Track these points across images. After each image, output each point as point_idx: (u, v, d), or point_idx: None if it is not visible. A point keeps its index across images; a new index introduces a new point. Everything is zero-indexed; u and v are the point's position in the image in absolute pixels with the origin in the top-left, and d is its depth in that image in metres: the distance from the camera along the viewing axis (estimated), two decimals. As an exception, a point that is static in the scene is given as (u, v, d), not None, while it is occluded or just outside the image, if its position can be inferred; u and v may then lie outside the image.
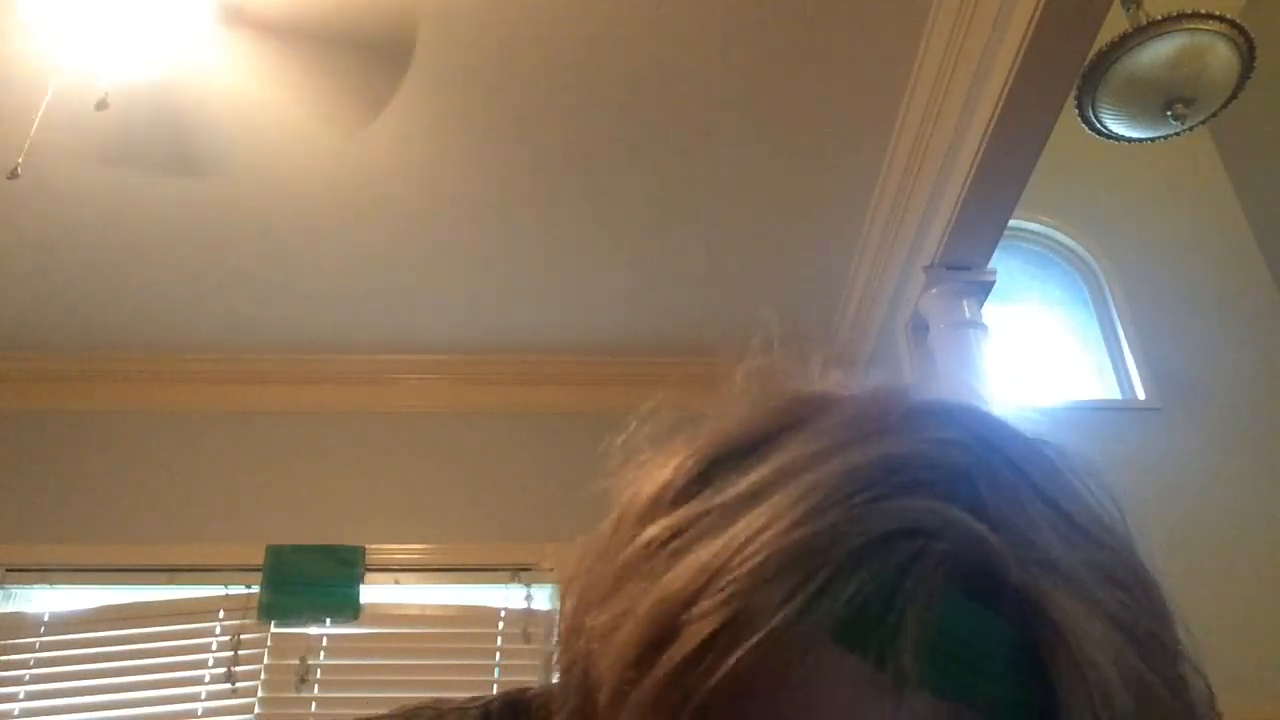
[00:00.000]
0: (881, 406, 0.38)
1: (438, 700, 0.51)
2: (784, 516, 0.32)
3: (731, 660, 0.30)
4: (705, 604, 0.31)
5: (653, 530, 0.35)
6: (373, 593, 2.93)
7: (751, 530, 0.32)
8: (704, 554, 0.32)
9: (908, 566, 0.30)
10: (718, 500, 0.34)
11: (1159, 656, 0.34)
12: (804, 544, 0.31)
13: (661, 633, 0.31)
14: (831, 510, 0.32)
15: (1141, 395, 3.19)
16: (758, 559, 0.31)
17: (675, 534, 0.34)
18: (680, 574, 0.32)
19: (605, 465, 0.41)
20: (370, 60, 2.23)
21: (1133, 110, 2.41)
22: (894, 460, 0.34)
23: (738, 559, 0.31)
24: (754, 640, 0.30)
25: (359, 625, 2.86)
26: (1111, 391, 3.27)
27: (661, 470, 0.38)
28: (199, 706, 2.74)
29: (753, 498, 0.34)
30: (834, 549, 0.30)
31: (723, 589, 0.31)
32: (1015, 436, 0.39)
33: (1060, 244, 3.52)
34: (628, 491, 0.39)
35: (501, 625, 2.86)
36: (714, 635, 0.30)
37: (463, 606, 2.93)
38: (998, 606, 0.31)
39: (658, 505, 0.37)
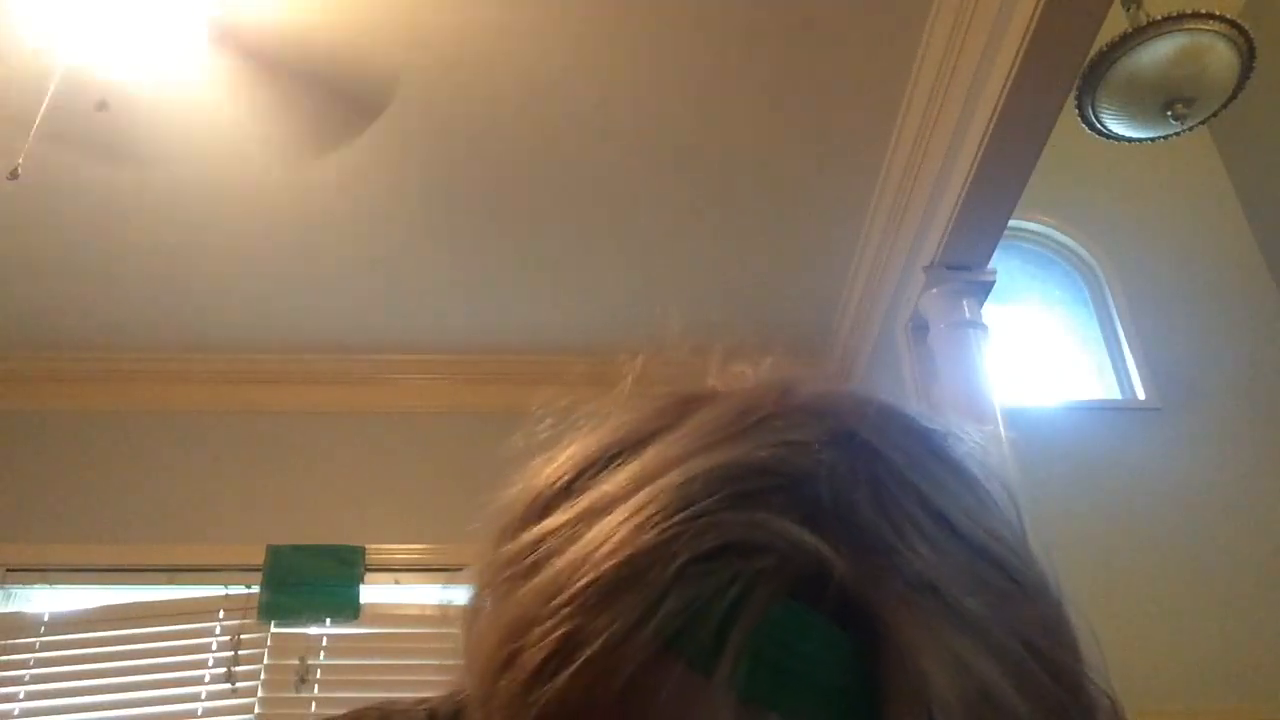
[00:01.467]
0: (746, 407, 0.37)
1: (388, 701, 0.53)
2: (617, 533, 0.32)
3: (559, 684, 0.30)
4: (540, 629, 0.31)
5: (515, 545, 0.36)
6: (373, 593, 2.93)
7: (588, 549, 0.32)
8: (550, 572, 0.32)
9: (734, 582, 0.30)
10: (573, 512, 0.34)
11: (1036, 668, 0.32)
12: (632, 564, 0.31)
13: (507, 655, 0.32)
14: (661, 527, 0.31)
15: (1141, 395, 3.19)
16: (588, 579, 0.31)
17: (534, 548, 0.34)
18: (526, 594, 0.33)
19: (509, 467, 0.41)
20: (341, 106, 2.26)
21: (1133, 110, 2.41)
22: (732, 469, 0.33)
23: (573, 579, 0.31)
24: (577, 664, 0.30)
25: (359, 625, 2.86)
26: (1111, 391, 3.28)
27: (538, 476, 0.39)
28: (199, 706, 2.74)
29: (601, 511, 0.33)
30: (660, 568, 0.30)
31: (557, 612, 0.31)
32: (893, 435, 0.37)
33: (1060, 244, 3.52)
34: (512, 496, 0.39)
35: (501, 625, 2.86)
36: (546, 660, 0.31)
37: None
38: (830, 617, 0.30)
39: (528, 515, 0.37)
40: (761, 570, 0.30)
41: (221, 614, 2.87)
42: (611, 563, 0.31)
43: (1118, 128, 2.48)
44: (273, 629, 2.84)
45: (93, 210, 2.70)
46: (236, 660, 2.79)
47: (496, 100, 2.40)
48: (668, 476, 0.33)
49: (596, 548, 0.32)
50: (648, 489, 0.33)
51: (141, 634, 2.85)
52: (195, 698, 2.75)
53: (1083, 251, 3.49)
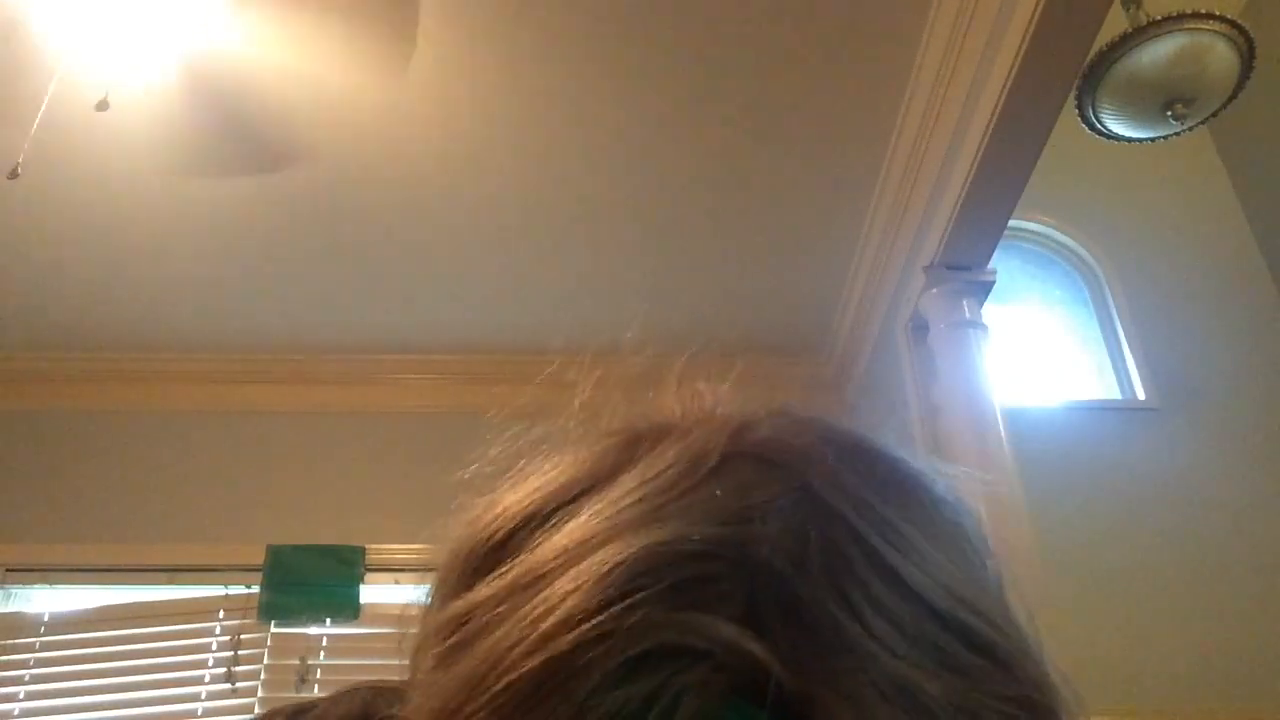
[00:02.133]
0: (695, 455, 0.35)
1: (304, 702, 0.54)
2: (539, 627, 0.30)
3: None
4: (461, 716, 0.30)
5: (445, 615, 0.34)
6: (373, 593, 2.93)
7: (509, 641, 0.30)
8: (471, 661, 0.31)
9: (662, 692, 0.28)
10: (501, 584, 0.33)
11: None
12: (551, 668, 0.29)
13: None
14: (585, 626, 0.29)
15: (1141, 395, 3.19)
16: (505, 681, 0.29)
17: (460, 623, 0.33)
18: (449, 682, 0.31)
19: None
20: None
21: (1133, 110, 2.41)
22: (666, 554, 0.31)
23: (490, 677, 0.30)
24: None
25: (359, 625, 2.86)
26: (1111, 391, 3.28)
27: (476, 524, 0.37)
28: (199, 706, 2.74)
29: (527, 587, 0.32)
30: (580, 677, 0.28)
31: (476, 712, 0.29)
32: (852, 486, 0.34)
33: (1060, 244, 3.52)
34: (451, 545, 0.37)
35: (501, 625, 2.86)
36: None
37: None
38: (774, 714, 0.28)
39: (461, 577, 0.35)
40: (693, 680, 0.28)
41: (221, 614, 2.87)
42: (529, 666, 0.29)
43: (1118, 128, 2.48)
44: (273, 629, 2.84)
45: (92, 210, 2.70)
46: (236, 660, 2.79)
47: (500, 97, 2.40)
48: (595, 556, 0.31)
49: (516, 642, 0.30)
50: (573, 571, 0.31)
51: (141, 634, 2.85)
52: (195, 698, 2.75)
53: (1083, 251, 3.49)
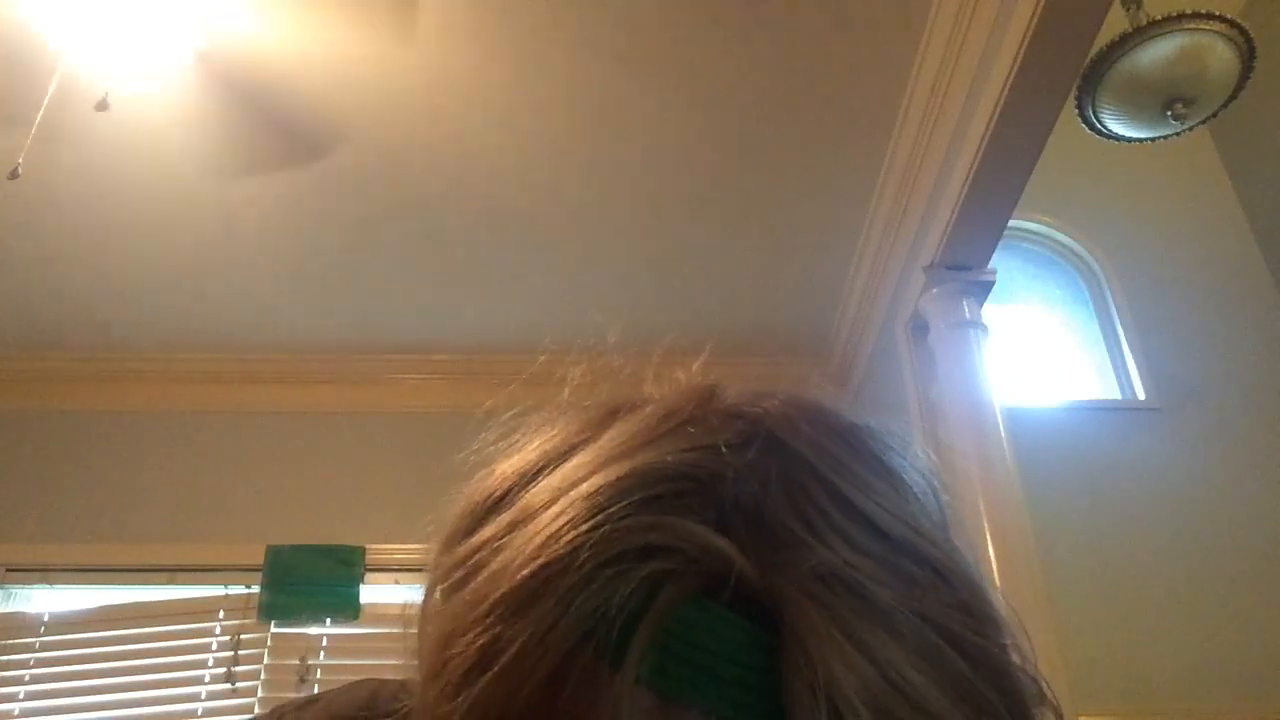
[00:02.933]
0: (666, 412, 0.39)
1: (312, 695, 0.56)
2: (531, 544, 0.33)
3: (475, 691, 0.32)
4: (464, 639, 0.33)
5: (451, 558, 0.37)
6: (373, 593, 2.93)
7: (508, 561, 0.33)
8: (475, 584, 0.34)
9: (639, 584, 0.31)
10: (500, 525, 0.36)
11: (952, 654, 0.32)
12: (543, 573, 0.32)
13: (438, 665, 0.34)
14: (571, 536, 0.32)
15: (1141, 395, 3.19)
16: (503, 590, 0.32)
17: (466, 560, 0.36)
18: (456, 606, 0.34)
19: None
20: None
21: (1133, 110, 2.41)
22: (641, 476, 0.34)
23: (492, 591, 0.33)
24: (493, 672, 0.31)
25: (359, 625, 2.86)
26: (1111, 391, 3.28)
27: (477, 489, 0.40)
28: (199, 706, 2.74)
29: (523, 522, 0.35)
30: (568, 576, 0.31)
31: (479, 623, 0.32)
32: (809, 432, 0.38)
33: (1060, 244, 3.52)
34: (456, 507, 0.40)
35: (501, 625, 2.86)
36: (468, 670, 0.32)
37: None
38: (737, 613, 0.31)
39: (466, 527, 0.38)
40: (667, 571, 0.31)
41: (221, 614, 2.87)
42: (524, 573, 0.32)
43: (1118, 128, 2.48)
44: (273, 629, 2.84)
45: (92, 210, 2.70)
46: (236, 660, 2.79)
47: (503, 91, 2.40)
48: (580, 486, 0.35)
49: (514, 560, 0.33)
50: (562, 500, 0.34)
51: (141, 634, 2.85)
52: (195, 698, 2.75)
53: (1083, 251, 3.49)
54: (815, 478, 0.36)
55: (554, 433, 0.41)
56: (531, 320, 3.15)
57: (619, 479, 0.34)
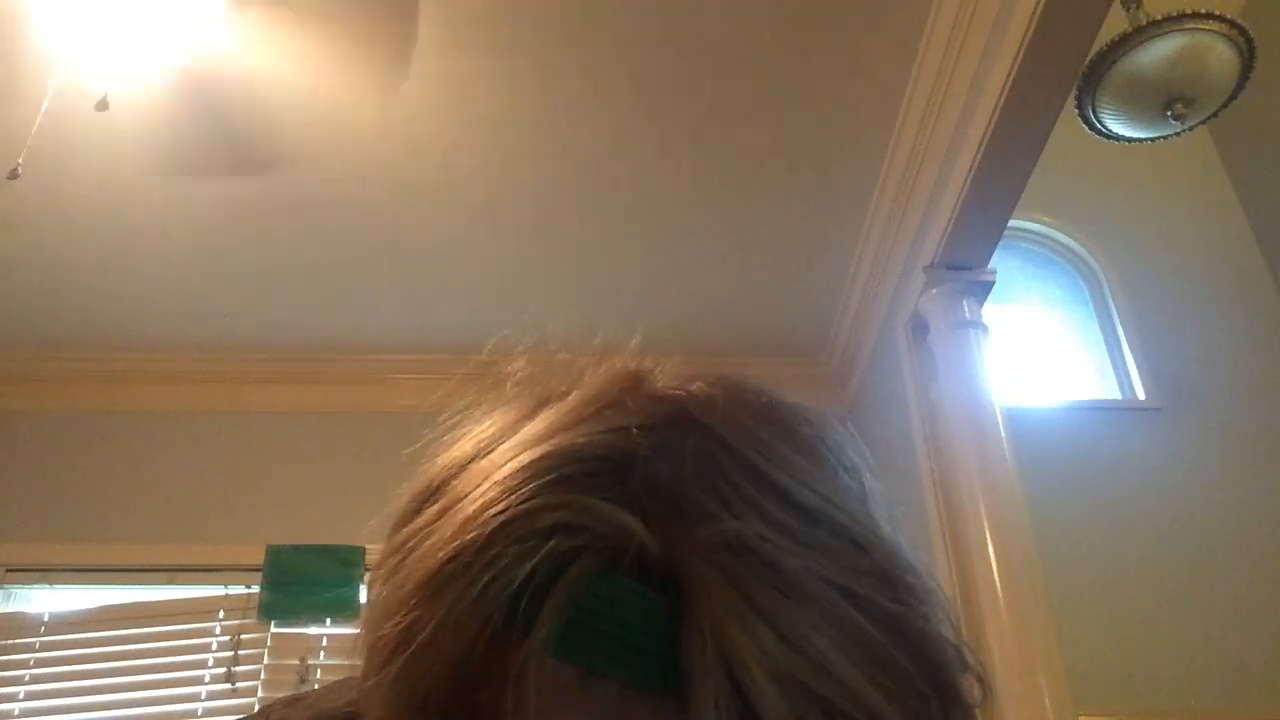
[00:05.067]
0: (591, 397, 0.40)
1: (298, 693, 0.57)
2: (450, 528, 0.34)
3: (394, 670, 0.33)
4: (391, 622, 0.34)
5: (390, 545, 0.39)
6: (373, 593, 2.93)
7: (433, 546, 0.35)
8: (404, 570, 0.35)
9: (547, 561, 0.32)
10: (432, 512, 0.37)
11: (864, 621, 0.33)
12: (459, 556, 0.33)
13: (369, 647, 0.36)
14: (485, 518, 0.34)
15: (1141, 395, 3.19)
16: (423, 574, 0.34)
17: (401, 547, 0.37)
18: (388, 591, 0.36)
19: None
20: (381, 7, 2.20)
21: (1133, 110, 2.41)
22: (554, 457, 0.35)
23: (414, 575, 0.34)
24: (410, 651, 0.33)
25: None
26: (1111, 391, 3.28)
27: (418, 480, 0.42)
28: (199, 706, 2.74)
29: (449, 509, 0.36)
30: (480, 556, 0.33)
31: (403, 605, 0.34)
32: (728, 411, 0.39)
33: (1060, 244, 3.52)
34: (400, 499, 0.42)
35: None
36: (392, 651, 0.34)
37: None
38: (643, 584, 0.32)
39: (404, 516, 0.40)
40: (574, 548, 0.32)
41: (221, 614, 2.87)
42: (441, 556, 0.34)
43: (1118, 128, 2.48)
44: (273, 629, 2.84)
45: (92, 210, 2.70)
46: (236, 660, 2.79)
47: (507, 88, 2.40)
48: (501, 470, 0.36)
49: (435, 544, 0.34)
50: (483, 484, 0.36)
51: (141, 634, 2.85)
52: (195, 698, 2.75)
53: (1083, 251, 3.49)
54: (729, 454, 0.36)
55: (490, 423, 0.43)
56: (533, 321, 3.14)
57: (532, 462, 0.35)
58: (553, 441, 0.37)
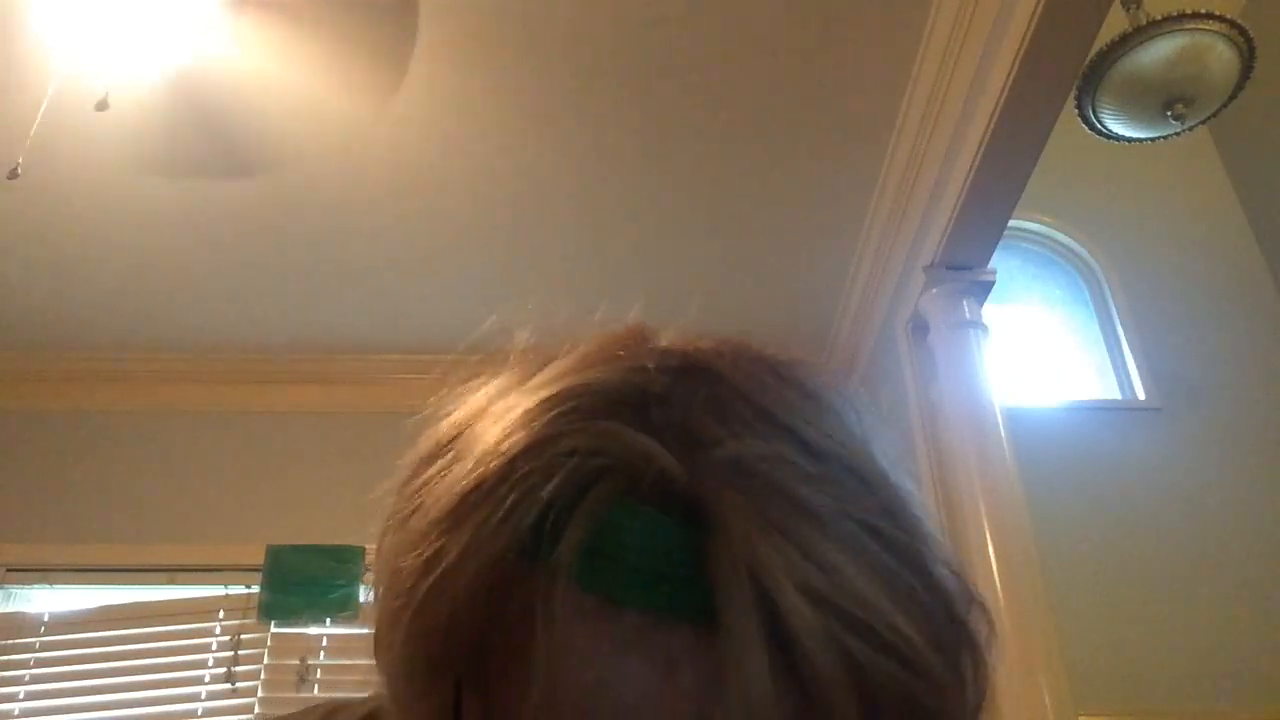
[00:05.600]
0: (604, 344, 0.40)
1: (335, 700, 0.58)
2: (471, 461, 0.35)
3: (420, 596, 0.33)
4: (413, 553, 0.34)
5: (404, 492, 0.39)
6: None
7: (453, 480, 0.35)
8: (424, 507, 0.36)
9: (568, 484, 0.32)
10: (449, 456, 0.37)
11: (875, 547, 0.33)
12: (481, 483, 0.33)
13: (390, 578, 0.36)
14: (506, 447, 0.34)
15: (1141, 395, 3.19)
16: (445, 503, 0.34)
17: (418, 492, 0.37)
18: (408, 529, 0.36)
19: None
20: (379, 19, 2.20)
21: (1133, 110, 2.41)
22: (573, 392, 0.36)
23: (436, 506, 0.35)
24: (435, 576, 0.33)
25: (359, 625, 2.86)
26: (1111, 391, 3.28)
27: (430, 437, 0.42)
28: (199, 706, 2.74)
29: (467, 450, 0.36)
30: (504, 482, 0.33)
31: (425, 536, 0.34)
32: (737, 361, 0.39)
33: (1060, 244, 3.52)
34: (412, 455, 0.43)
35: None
36: (417, 579, 0.34)
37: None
38: (665, 510, 0.32)
39: (419, 467, 0.40)
40: (595, 469, 0.32)
41: (221, 614, 2.87)
42: (463, 484, 0.34)
43: (1118, 128, 2.48)
44: (273, 629, 2.84)
45: (92, 210, 2.70)
46: (236, 660, 2.79)
47: (511, 83, 2.40)
48: (515, 410, 0.36)
49: (454, 479, 0.35)
50: (501, 422, 0.36)
51: (141, 634, 2.85)
52: (195, 698, 2.75)
53: (1083, 251, 3.49)
54: (741, 397, 0.36)
55: (496, 380, 0.43)
56: (535, 321, 3.14)
57: (550, 396, 0.36)
58: (568, 380, 0.37)
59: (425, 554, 0.33)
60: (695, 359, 0.39)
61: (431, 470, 0.38)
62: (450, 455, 0.37)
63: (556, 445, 0.33)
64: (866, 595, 0.31)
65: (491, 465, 0.34)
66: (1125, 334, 3.30)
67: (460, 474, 0.35)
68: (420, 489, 0.37)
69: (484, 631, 0.33)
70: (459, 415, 0.41)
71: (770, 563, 0.30)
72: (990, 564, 2.06)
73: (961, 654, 0.35)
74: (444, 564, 0.33)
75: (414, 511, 0.36)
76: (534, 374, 0.40)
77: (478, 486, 0.33)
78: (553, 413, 0.34)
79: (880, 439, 0.40)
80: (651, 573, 0.31)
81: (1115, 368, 3.30)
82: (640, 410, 0.35)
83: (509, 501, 0.32)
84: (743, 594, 0.30)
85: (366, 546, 2.97)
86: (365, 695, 0.57)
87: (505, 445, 0.34)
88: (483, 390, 0.42)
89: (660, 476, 0.32)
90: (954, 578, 0.36)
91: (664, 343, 0.42)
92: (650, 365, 0.37)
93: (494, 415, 0.37)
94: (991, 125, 2.05)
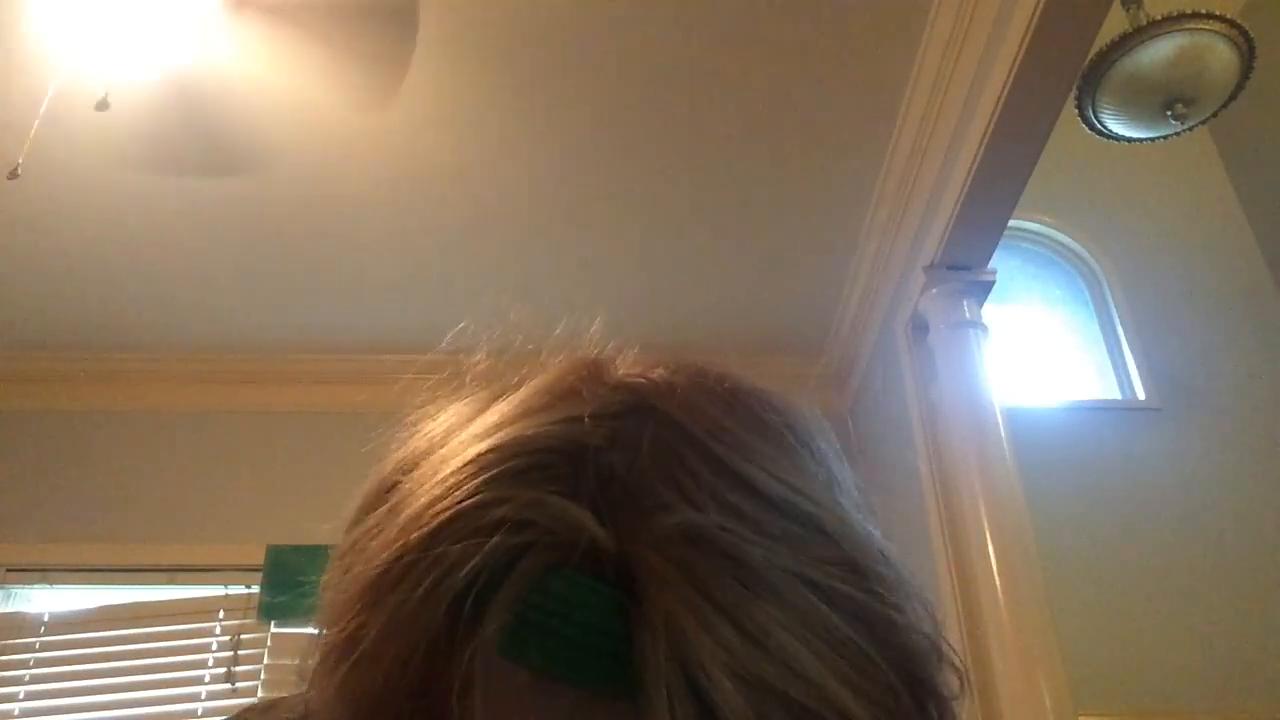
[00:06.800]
0: (548, 386, 0.39)
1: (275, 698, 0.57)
2: (395, 530, 0.33)
3: (340, 677, 0.32)
4: (336, 627, 0.33)
5: (342, 546, 0.38)
6: (373, 593, 2.93)
7: (380, 545, 0.34)
8: (353, 572, 0.34)
9: (497, 558, 0.30)
10: (383, 511, 0.36)
11: (826, 611, 0.31)
12: (402, 558, 0.32)
13: (319, 649, 0.35)
14: (429, 517, 0.32)
15: (1141, 395, 3.19)
16: (368, 577, 0.33)
17: (351, 548, 0.36)
18: (337, 594, 0.35)
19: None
20: (379, 25, 2.20)
21: (1133, 110, 2.41)
22: (503, 451, 0.34)
23: (360, 578, 0.33)
24: (353, 658, 0.32)
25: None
26: (1111, 391, 3.27)
27: (370, 480, 0.41)
28: (199, 706, 2.74)
29: (399, 507, 0.35)
30: (424, 558, 0.31)
31: (349, 609, 0.33)
32: (688, 398, 0.37)
33: (1060, 244, 3.52)
34: (355, 497, 0.41)
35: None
36: (339, 657, 0.33)
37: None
38: (596, 579, 0.30)
39: (358, 516, 0.39)
40: (522, 544, 0.31)
41: (221, 614, 2.87)
42: (385, 558, 0.33)
43: (1118, 128, 2.48)
44: (273, 629, 2.84)
45: (92, 210, 2.70)
46: (236, 660, 2.78)
47: (509, 81, 2.40)
48: (449, 465, 0.35)
49: (381, 546, 0.33)
50: (430, 482, 0.34)
51: (141, 634, 2.85)
52: (195, 698, 2.75)
53: (1083, 251, 3.49)
54: (689, 442, 0.35)
55: (443, 418, 0.41)
56: (531, 322, 3.14)
57: (479, 455, 0.34)
58: (502, 434, 0.35)
59: (346, 630, 0.33)
60: (645, 397, 0.37)
61: (368, 522, 0.36)
62: (385, 508, 0.36)
63: (479, 518, 0.31)
64: (809, 672, 0.29)
65: (412, 537, 0.32)
66: (1125, 334, 3.30)
67: (385, 542, 0.33)
68: (355, 544, 0.36)
69: (415, 704, 0.31)
70: (400, 456, 0.40)
71: (698, 644, 0.29)
72: (990, 564, 2.07)
73: (923, 717, 0.33)
74: (362, 646, 0.31)
75: (347, 570, 0.35)
76: (480, 412, 0.39)
77: (398, 559, 0.32)
78: (479, 478, 0.33)
79: (844, 477, 0.39)
80: (581, 645, 0.29)
81: (1115, 368, 3.30)
82: (577, 469, 0.33)
83: (428, 580, 0.31)
84: (667, 678, 0.28)
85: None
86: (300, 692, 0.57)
87: (427, 515, 0.32)
88: (427, 428, 0.41)
89: (592, 546, 0.31)
90: (922, 633, 0.34)
91: (619, 373, 0.40)
92: (589, 416, 0.35)
93: (429, 468, 0.36)
94: (991, 125, 2.05)
